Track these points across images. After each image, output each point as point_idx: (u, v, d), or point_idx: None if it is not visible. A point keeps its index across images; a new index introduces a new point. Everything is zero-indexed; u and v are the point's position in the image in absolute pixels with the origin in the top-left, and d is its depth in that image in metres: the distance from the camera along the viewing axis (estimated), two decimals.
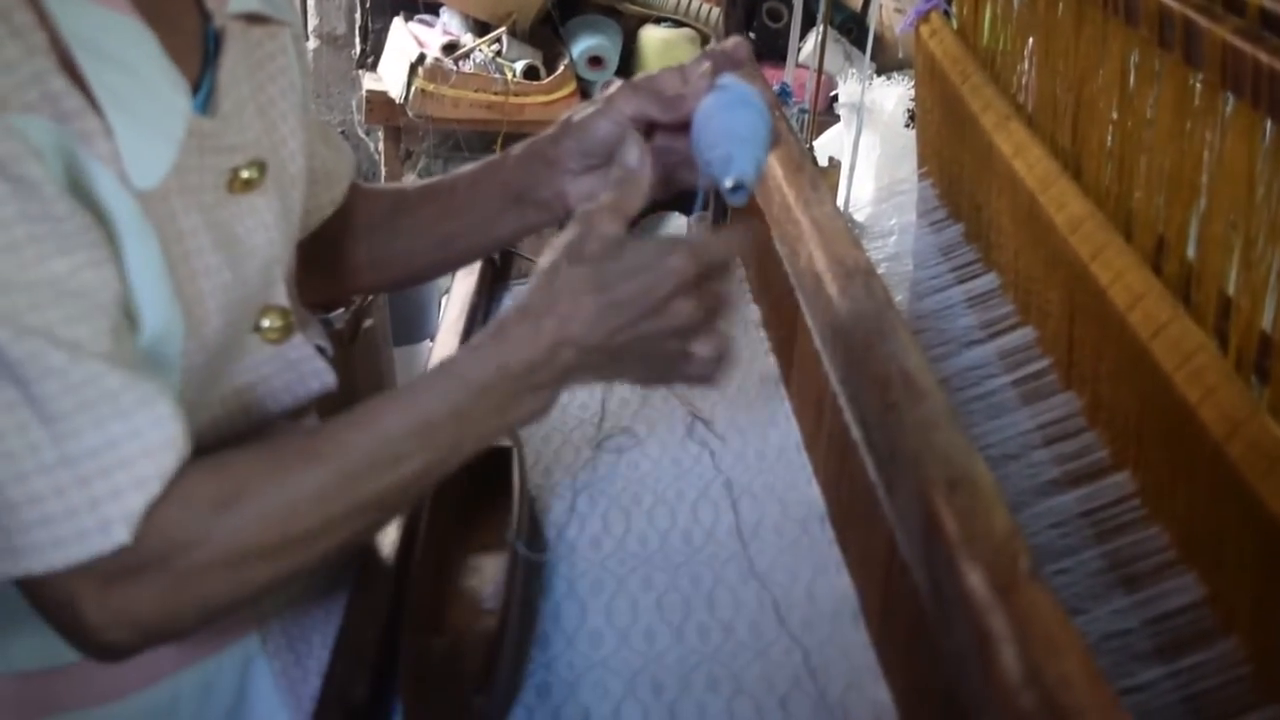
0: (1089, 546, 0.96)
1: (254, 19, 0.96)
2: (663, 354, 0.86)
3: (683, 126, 0.97)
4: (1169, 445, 0.89)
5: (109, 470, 0.76)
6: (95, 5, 0.81)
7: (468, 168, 1.14)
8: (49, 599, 0.79)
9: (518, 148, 1.10)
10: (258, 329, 0.95)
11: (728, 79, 0.96)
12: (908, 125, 2.67)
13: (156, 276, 0.83)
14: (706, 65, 0.98)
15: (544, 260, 0.87)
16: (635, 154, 0.92)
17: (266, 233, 0.93)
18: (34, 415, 0.75)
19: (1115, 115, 1.00)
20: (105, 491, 0.76)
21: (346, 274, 1.19)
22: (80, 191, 0.79)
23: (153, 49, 0.84)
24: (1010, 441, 1.07)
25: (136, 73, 0.82)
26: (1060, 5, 1.10)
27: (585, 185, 1.05)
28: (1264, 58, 0.78)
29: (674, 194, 1.06)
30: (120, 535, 0.76)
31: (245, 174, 0.91)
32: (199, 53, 0.92)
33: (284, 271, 0.98)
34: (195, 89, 0.89)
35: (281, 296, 0.97)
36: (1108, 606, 0.91)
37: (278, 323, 0.96)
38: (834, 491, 1.10)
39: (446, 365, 0.86)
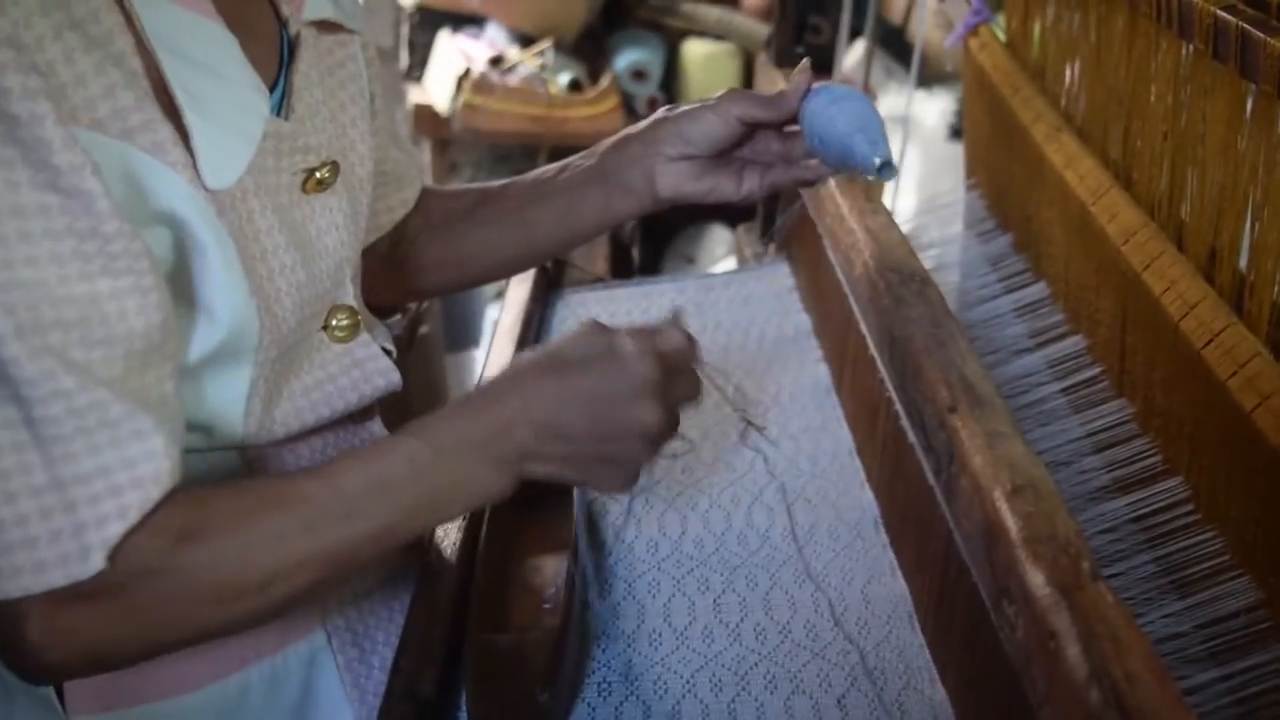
0: (1141, 551, 0.97)
1: (326, 26, 1.00)
2: (620, 453, 0.89)
3: (782, 125, 1.06)
4: (1223, 451, 0.90)
5: (97, 498, 0.77)
6: (182, 9, 0.84)
7: (560, 161, 1.17)
8: None
9: (614, 136, 1.14)
10: (326, 327, 0.98)
11: (822, 82, 1.03)
12: (949, 138, 2.69)
13: (232, 275, 0.86)
14: (806, 62, 1.05)
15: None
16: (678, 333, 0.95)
17: (337, 233, 0.96)
18: (30, 436, 0.76)
19: (1167, 127, 1.02)
20: (90, 518, 0.77)
21: (420, 272, 1.22)
22: (141, 210, 0.81)
23: (234, 53, 0.87)
24: (1061, 449, 1.08)
25: (218, 75, 0.85)
26: (1112, 18, 1.11)
27: (675, 172, 1.09)
28: None
29: (739, 201, 1.11)
30: (97, 562, 0.76)
31: (319, 174, 0.93)
32: (275, 57, 0.95)
33: (352, 272, 1.00)
34: (270, 91, 0.92)
35: (350, 296, 0.99)
36: (1161, 611, 0.92)
37: (346, 321, 0.98)
38: (888, 495, 1.12)
39: (410, 429, 0.87)
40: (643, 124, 1.11)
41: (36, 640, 0.78)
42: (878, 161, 0.94)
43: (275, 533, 0.82)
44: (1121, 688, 0.64)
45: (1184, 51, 0.98)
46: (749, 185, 1.09)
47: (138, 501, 0.78)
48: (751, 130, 1.07)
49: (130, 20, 0.81)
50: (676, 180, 1.09)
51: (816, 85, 1.03)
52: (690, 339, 0.93)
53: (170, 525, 0.79)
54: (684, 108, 1.09)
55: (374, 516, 0.85)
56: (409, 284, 1.25)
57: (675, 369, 0.90)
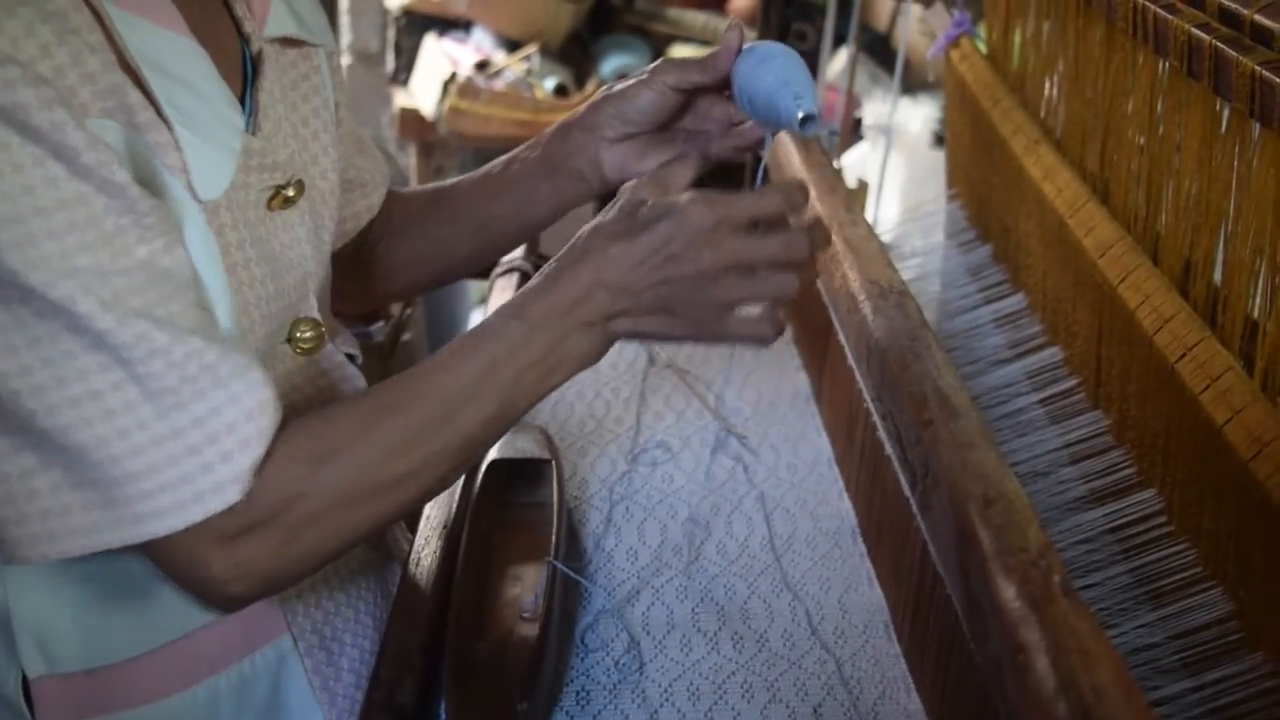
0: (1116, 562, 0.98)
1: (289, 42, 1.00)
2: (700, 304, 0.89)
3: (719, 89, 1.05)
4: (1196, 464, 0.91)
5: (216, 436, 0.82)
6: (157, 26, 0.85)
7: (505, 155, 1.18)
8: (177, 560, 0.85)
9: (555, 124, 1.15)
10: (290, 340, 0.99)
11: (752, 42, 1.02)
12: (933, 145, 2.70)
13: (218, 281, 0.87)
14: (735, 21, 1.06)
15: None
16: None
17: (301, 248, 0.97)
18: (141, 393, 0.80)
19: (1143, 141, 1.03)
20: (215, 456, 0.82)
21: (387, 275, 1.23)
22: (152, 189, 0.83)
23: (209, 69, 0.88)
24: (1038, 459, 1.09)
25: (197, 90, 0.87)
26: (1090, 32, 1.12)
27: (620, 154, 1.10)
28: None
29: (712, 168, 1.10)
30: (232, 494, 0.82)
31: (285, 192, 0.95)
32: (239, 74, 0.95)
33: (316, 285, 1.01)
34: None
35: (313, 309, 1.00)
36: (1135, 621, 0.93)
37: (310, 334, 0.99)
38: (866, 505, 1.12)
39: (501, 310, 0.90)
40: (581, 109, 1.12)
41: (220, 575, 0.84)
42: (800, 114, 0.92)
43: (401, 435, 0.87)
44: (1089, 700, 0.64)
45: (1160, 67, 0.99)
46: (693, 159, 1.08)
47: (255, 432, 0.83)
48: (689, 99, 1.08)
49: (111, 37, 0.82)
50: (622, 161, 1.09)
51: (746, 46, 1.01)
52: (791, 192, 0.91)
53: (301, 451, 0.85)
54: (619, 86, 1.09)
55: (488, 399, 0.89)
56: (376, 288, 1.26)
57: (766, 224, 0.90)
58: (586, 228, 0.91)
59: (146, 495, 0.81)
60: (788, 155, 1.33)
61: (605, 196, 1.07)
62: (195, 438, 0.82)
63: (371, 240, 1.21)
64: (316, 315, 1.00)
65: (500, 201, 1.16)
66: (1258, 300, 0.89)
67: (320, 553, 0.89)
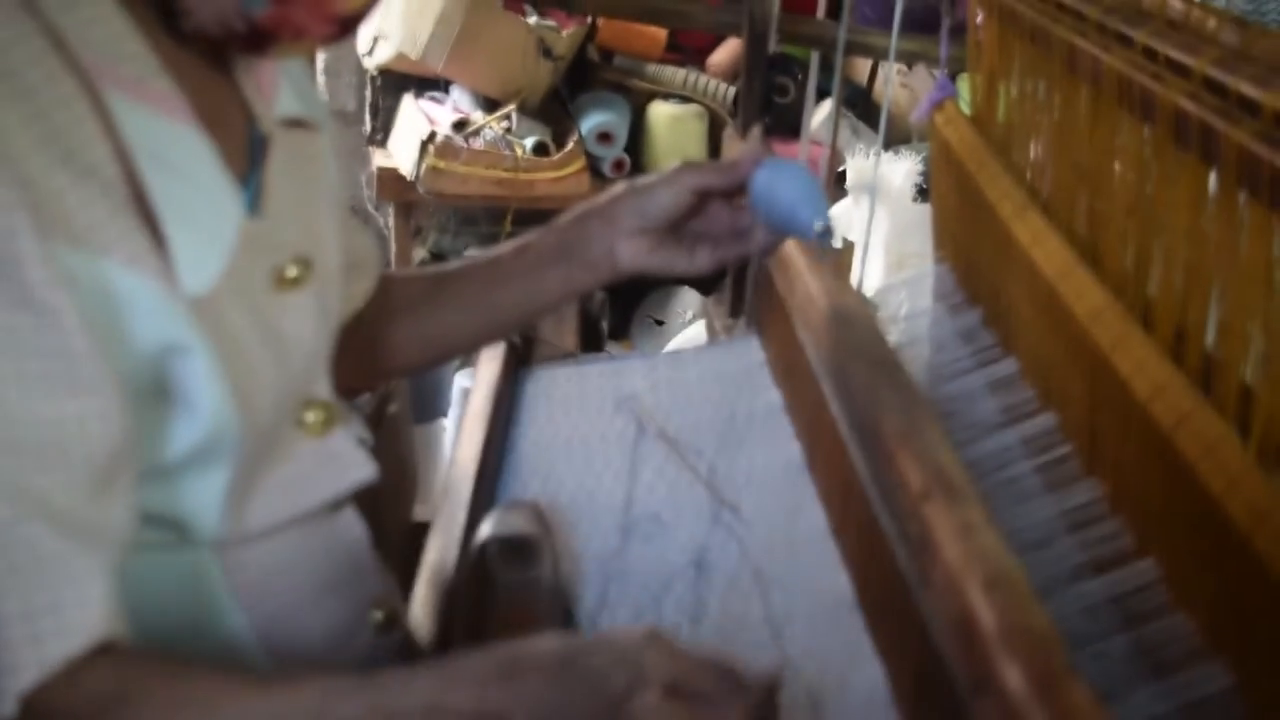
0: (1118, 632, 0.97)
1: (294, 123, 1.00)
2: None
3: (733, 195, 1.09)
4: (1193, 535, 0.91)
5: (17, 643, 0.74)
6: (159, 115, 0.85)
7: (517, 240, 1.19)
8: None
9: (573, 210, 1.15)
10: (300, 423, 0.98)
11: (771, 156, 1.08)
12: (915, 199, 2.71)
13: (212, 375, 0.86)
14: (758, 130, 1.05)
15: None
16: None
17: (310, 327, 0.96)
18: None
19: (1131, 206, 1.03)
20: (7, 662, 0.74)
21: (384, 356, 1.23)
22: (117, 324, 0.80)
23: (211, 158, 0.88)
24: (1036, 528, 1.08)
25: (195, 182, 0.86)
26: (1075, 97, 1.12)
27: (634, 247, 1.11)
28: None
29: (692, 274, 1.14)
30: (5, 708, 0.74)
31: (291, 272, 0.94)
32: (245, 153, 0.95)
33: (325, 366, 1.00)
34: (242, 187, 0.92)
35: (324, 390, 0.99)
36: (1140, 692, 0.92)
37: (320, 416, 0.98)
38: (864, 579, 1.12)
39: (376, 683, 0.81)
40: (601, 199, 1.14)
41: None
42: (818, 226, 1.00)
43: None
44: None
45: (1146, 133, 1.00)
46: (701, 259, 1.12)
47: (60, 651, 0.75)
48: (702, 202, 1.10)
49: (110, 127, 0.81)
50: (635, 253, 1.11)
51: (771, 159, 1.07)
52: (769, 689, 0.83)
53: (97, 688, 0.76)
54: (640, 182, 1.12)
55: None
56: (373, 367, 1.25)
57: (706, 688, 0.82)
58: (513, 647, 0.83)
59: None
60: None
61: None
62: None
63: (367, 323, 1.20)
64: (327, 397, 0.99)
65: (510, 287, 1.17)
66: (1250, 368, 0.89)
67: None
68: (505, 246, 1.19)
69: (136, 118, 0.83)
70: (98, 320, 0.79)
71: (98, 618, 0.77)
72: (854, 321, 1.11)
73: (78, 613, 0.76)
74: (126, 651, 0.79)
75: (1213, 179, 0.91)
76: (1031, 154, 1.26)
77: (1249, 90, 0.86)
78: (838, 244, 1.00)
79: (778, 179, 1.04)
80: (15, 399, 0.74)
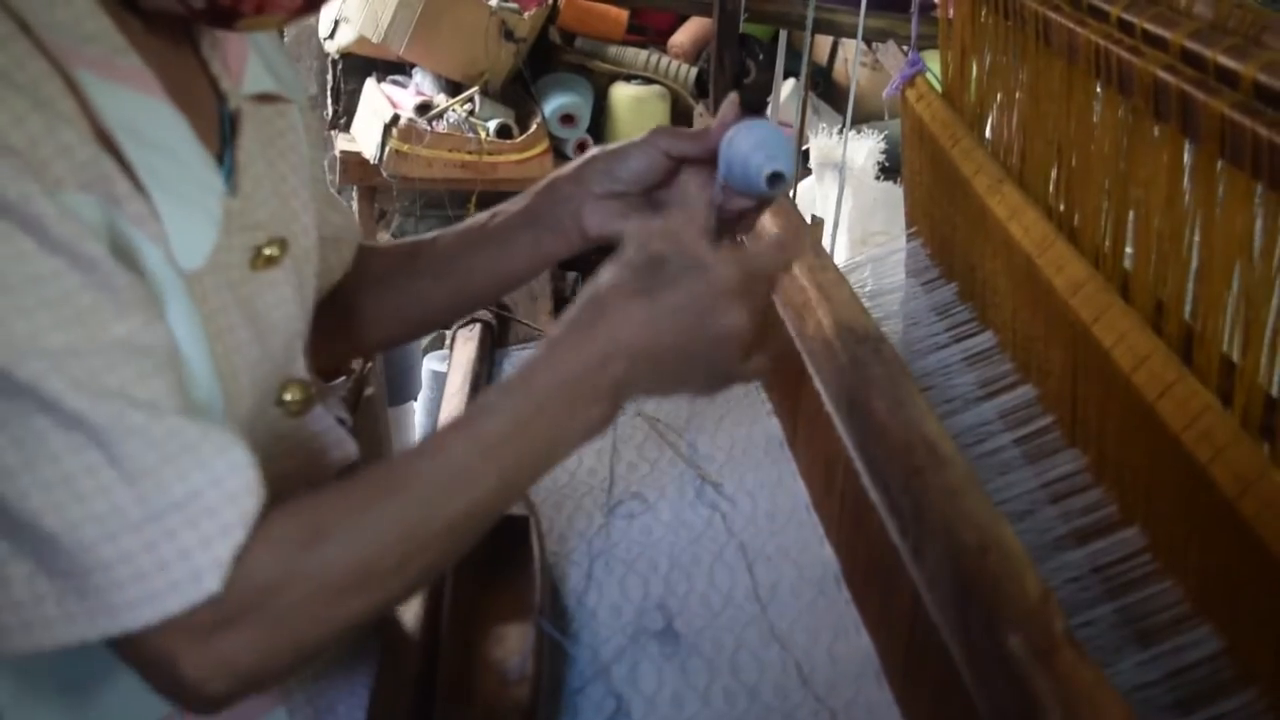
0: (1104, 601, 0.98)
1: (265, 98, 0.99)
2: (718, 363, 0.88)
3: (706, 162, 1.05)
4: (1180, 502, 0.92)
5: (195, 520, 0.76)
6: (132, 91, 0.83)
7: (492, 209, 1.18)
8: (146, 658, 0.78)
9: (547, 177, 1.15)
10: (280, 402, 0.97)
11: (745, 119, 1.03)
12: (878, 178, 2.72)
13: (200, 353, 0.85)
14: (734, 97, 1.05)
15: (593, 280, 0.89)
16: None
17: (287, 307, 0.95)
18: (118, 476, 0.75)
19: (1109, 182, 1.04)
20: (194, 542, 0.76)
21: (361, 328, 1.22)
22: (130, 264, 0.80)
23: (186, 132, 0.87)
24: (1019, 499, 1.09)
25: (175, 156, 0.85)
26: (1049, 70, 1.13)
27: (603, 211, 1.10)
28: (1263, 131, 0.81)
29: None
30: (211, 584, 0.76)
31: (268, 251, 0.93)
32: (216, 133, 0.94)
33: (303, 345, 1.00)
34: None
35: (302, 370, 0.99)
36: (1128, 660, 0.93)
37: (299, 395, 0.98)
38: (850, 552, 1.12)
39: (504, 384, 0.87)
40: (572, 164, 1.13)
41: (195, 676, 0.77)
42: (766, 171, 0.95)
43: (396, 517, 0.82)
44: None
45: (1124, 107, 1.00)
46: None
47: (237, 516, 0.77)
48: (675, 168, 1.08)
49: (85, 106, 0.80)
50: (604, 218, 1.10)
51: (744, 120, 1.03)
52: (788, 241, 0.94)
53: (286, 534, 0.79)
54: (612, 146, 1.10)
55: (488, 480, 0.84)
56: (350, 342, 1.24)
57: (759, 282, 0.90)
58: (593, 287, 0.89)
59: (119, 584, 0.75)
60: None
61: (592, 260, 1.07)
62: (173, 521, 0.76)
63: (344, 295, 1.20)
64: (305, 376, 0.98)
65: (480, 253, 1.16)
66: (1232, 338, 0.90)
67: (303, 647, 0.82)
68: (479, 215, 1.18)
69: (110, 95, 0.81)
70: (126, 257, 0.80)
71: (256, 477, 0.79)
72: (836, 298, 1.11)
73: (237, 478, 0.78)
74: (301, 499, 0.82)
75: (1188, 150, 0.92)
76: (1004, 128, 1.27)
77: (1227, 61, 0.87)
78: (780, 190, 0.97)
79: (738, 134, 1.00)
80: (84, 333, 0.75)
